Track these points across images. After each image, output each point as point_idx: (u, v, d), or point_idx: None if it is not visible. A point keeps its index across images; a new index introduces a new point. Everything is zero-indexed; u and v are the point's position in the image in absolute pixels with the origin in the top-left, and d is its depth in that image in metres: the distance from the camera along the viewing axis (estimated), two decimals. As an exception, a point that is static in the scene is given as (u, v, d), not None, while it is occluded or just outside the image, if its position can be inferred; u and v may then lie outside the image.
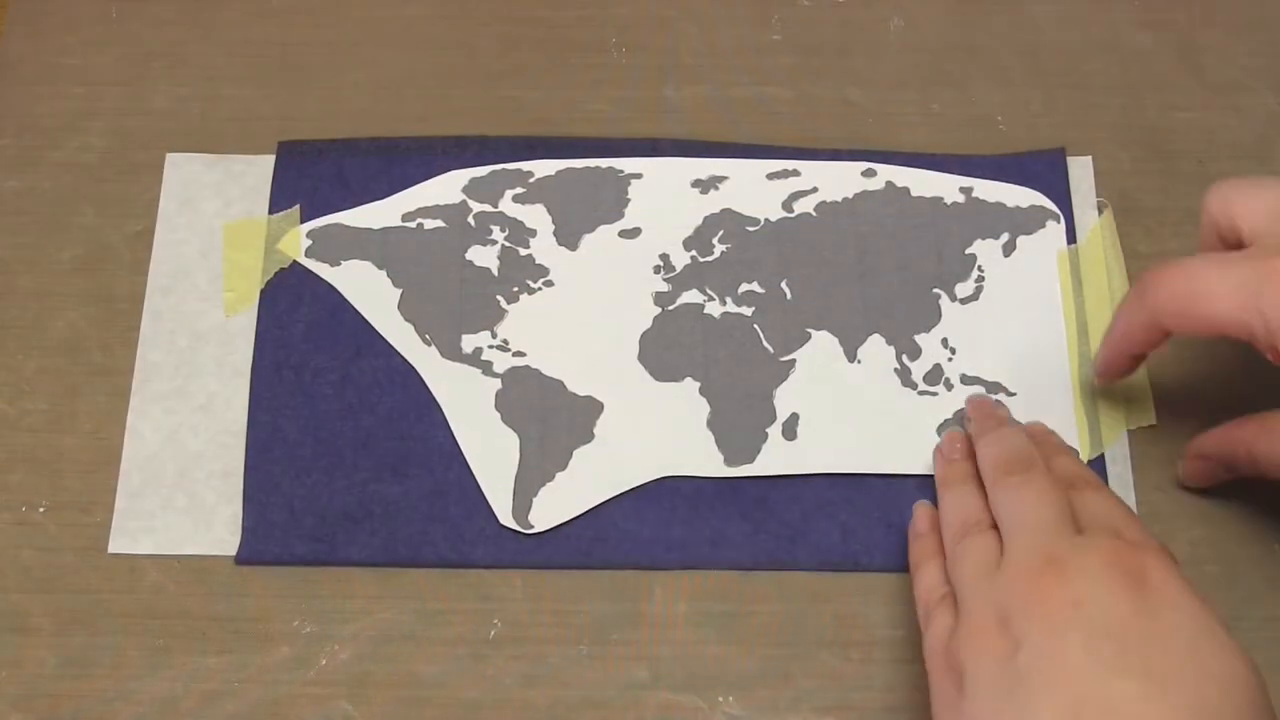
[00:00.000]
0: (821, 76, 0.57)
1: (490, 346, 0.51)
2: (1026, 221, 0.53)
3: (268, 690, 0.46)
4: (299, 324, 0.51)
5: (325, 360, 0.51)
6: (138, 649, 0.47)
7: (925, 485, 0.49)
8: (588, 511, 0.49)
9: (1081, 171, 0.54)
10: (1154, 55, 0.57)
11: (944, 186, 0.54)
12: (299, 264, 0.52)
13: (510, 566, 0.48)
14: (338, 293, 0.52)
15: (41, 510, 0.49)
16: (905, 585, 0.48)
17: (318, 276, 0.52)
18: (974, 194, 0.54)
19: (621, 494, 0.49)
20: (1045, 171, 0.54)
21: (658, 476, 0.49)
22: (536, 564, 0.48)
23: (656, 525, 0.49)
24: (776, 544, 0.48)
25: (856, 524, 0.49)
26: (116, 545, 0.48)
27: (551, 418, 0.50)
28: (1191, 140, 0.55)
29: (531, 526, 0.48)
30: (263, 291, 0.52)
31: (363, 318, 0.52)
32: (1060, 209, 0.53)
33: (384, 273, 0.52)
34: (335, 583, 0.48)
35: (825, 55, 0.57)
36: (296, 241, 0.53)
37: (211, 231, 0.53)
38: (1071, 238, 0.53)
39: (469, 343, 0.51)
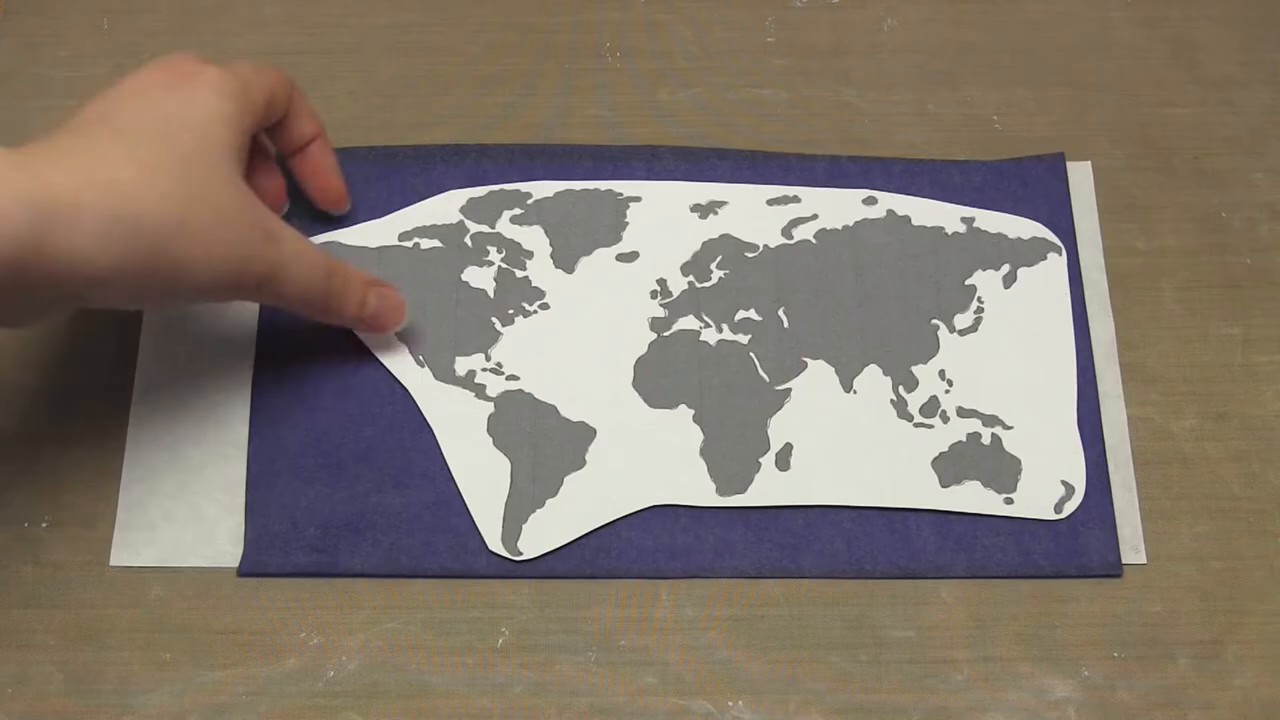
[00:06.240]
0: (816, 78, 0.57)
1: (484, 369, 0.51)
2: (1027, 253, 0.53)
3: (275, 703, 0.47)
4: (299, 335, 0.51)
5: (326, 372, 0.51)
6: (143, 663, 0.47)
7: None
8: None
9: (1081, 176, 0.54)
10: (1147, 52, 0.57)
11: (945, 216, 0.53)
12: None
13: (514, 577, 0.48)
14: (338, 305, 0.52)
15: (44, 525, 0.49)
16: (912, 587, 0.48)
17: None
18: (975, 224, 0.53)
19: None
20: (1045, 176, 0.54)
21: (648, 505, 0.49)
22: (540, 575, 0.48)
23: (660, 534, 0.49)
24: (781, 552, 0.48)
25: (860, 531, 0.49)
26: (118, 558, 0.48)
27: (544, 443, 0.50)
28: (1186, 136, 0.55)
29: (520, 554, 0.48)
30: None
31: (362, 330, 0.52)
32: (1059, 215, 0.53)
33: None
34: (341, 594, 0.48)
35: (819, 57, 0.57)
36: (294, 258, 0.53)
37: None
38: (1074, 261, 0.52)
39: (462, 365, 0.51)
